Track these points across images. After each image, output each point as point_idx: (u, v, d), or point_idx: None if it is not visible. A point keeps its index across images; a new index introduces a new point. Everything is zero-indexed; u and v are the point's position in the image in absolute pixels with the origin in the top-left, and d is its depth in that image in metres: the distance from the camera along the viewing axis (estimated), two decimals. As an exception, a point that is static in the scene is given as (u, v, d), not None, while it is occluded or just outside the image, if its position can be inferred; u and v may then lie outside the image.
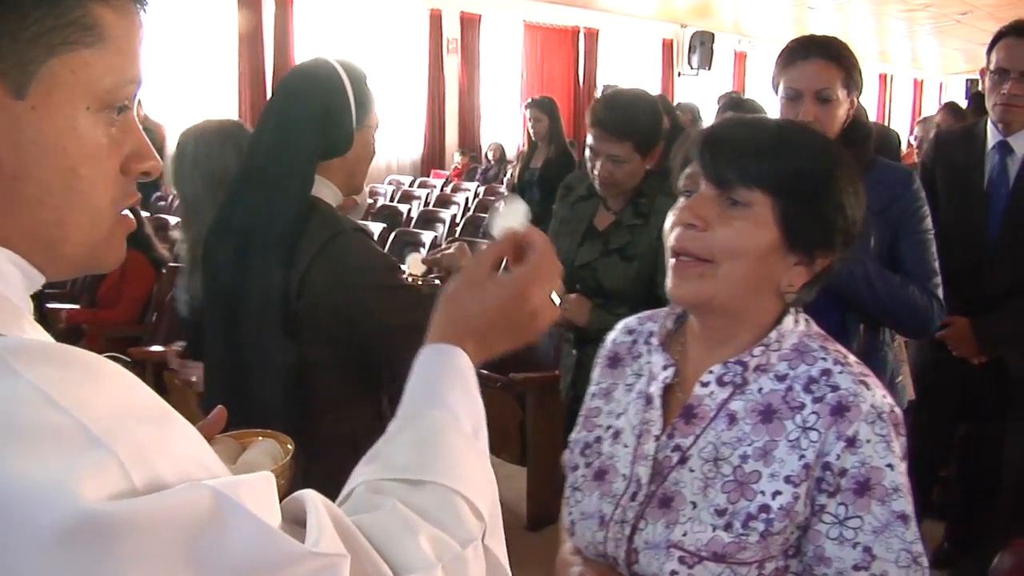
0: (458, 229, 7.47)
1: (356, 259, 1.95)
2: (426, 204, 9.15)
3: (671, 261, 1.29)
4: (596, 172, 2.72)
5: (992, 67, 2.87)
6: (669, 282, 1.29)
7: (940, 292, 2.32)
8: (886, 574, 1.19)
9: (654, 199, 2.70)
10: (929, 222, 2.35)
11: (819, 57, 2.26)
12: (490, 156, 11.32)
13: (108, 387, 0.67)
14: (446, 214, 7.95)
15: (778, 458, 1.23)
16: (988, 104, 2.94)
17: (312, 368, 1.97)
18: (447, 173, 11.43)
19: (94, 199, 0.78)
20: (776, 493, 1.22)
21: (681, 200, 1.31)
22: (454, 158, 11.80)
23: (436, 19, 11.89)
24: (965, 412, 3.17)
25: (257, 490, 0.69)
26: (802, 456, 1.22)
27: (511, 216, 1.06)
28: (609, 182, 2.72)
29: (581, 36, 13.80)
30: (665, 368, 1.38)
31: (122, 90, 0.78)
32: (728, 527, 1.22)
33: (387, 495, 0.87)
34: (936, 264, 2.34)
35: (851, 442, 1.21)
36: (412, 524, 0.84)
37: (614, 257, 2.73)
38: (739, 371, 1.30)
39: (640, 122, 2.72)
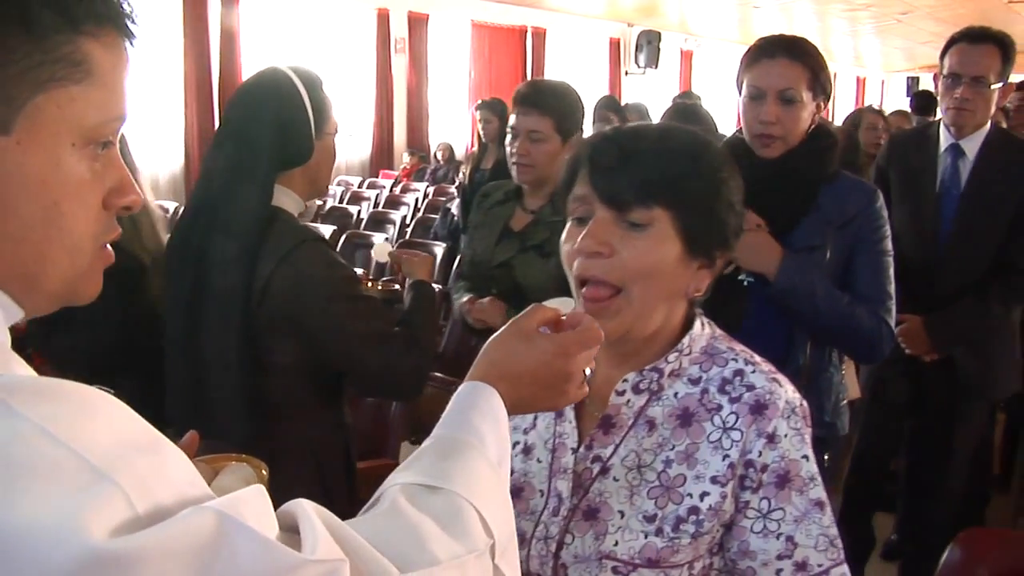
0: (408, 231, 7.42)
1: (317, 270, 1.95)
2: (376, 205, 9.08)
3: (579, 295, 1.28)
4: (515, 151, 2.68)
5: (945, 72, 2.93)
6: None
7: (892, 317, 2.24)
8: (807, 559, 1.24)
9: None
10: (888, 243, 2.28)
11: (785, 56, 2.19)
12: (439, 156, 11.27)
13: (103, 419, 0.67)
14: (396, 215, 7.90)
15: (701, 460, 1.26)
16: (941, 108, 3.01)
17: (272, 375, 1.98)
18: (396, 173, 11.35)
19: (75, 234, 0.77)
20: (704, 494, 1.24)
21: (571, 224, 1.30)
22: (403, 158, 11.72)
23: (383, 19, 11.79)
24: (916, 408, 3.22)
25: (254, 505, 0.70)
26: (726, 456, 1.25)
27: (560, 304, 1.18)
28: (527, 162, 2.68)
29: (529, 36, 13.78)
30: None
31: (107, 126, 0.77)
32: (659, 532, 1.24)
33: (397, 496, 0.89)
34: (891, 287, 2.26)
35: (771, 438, 1.25)
36: (416, 524, 0.85)
37: (531, 253, 2.69)
38: (655, 377, 1.31)
39: (562, 100, 2.72)
